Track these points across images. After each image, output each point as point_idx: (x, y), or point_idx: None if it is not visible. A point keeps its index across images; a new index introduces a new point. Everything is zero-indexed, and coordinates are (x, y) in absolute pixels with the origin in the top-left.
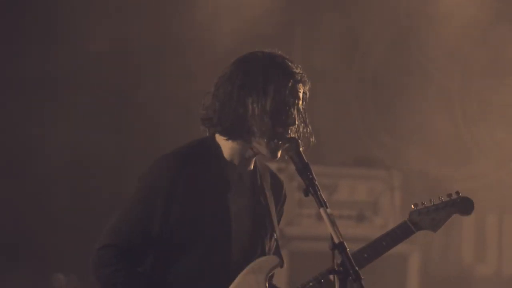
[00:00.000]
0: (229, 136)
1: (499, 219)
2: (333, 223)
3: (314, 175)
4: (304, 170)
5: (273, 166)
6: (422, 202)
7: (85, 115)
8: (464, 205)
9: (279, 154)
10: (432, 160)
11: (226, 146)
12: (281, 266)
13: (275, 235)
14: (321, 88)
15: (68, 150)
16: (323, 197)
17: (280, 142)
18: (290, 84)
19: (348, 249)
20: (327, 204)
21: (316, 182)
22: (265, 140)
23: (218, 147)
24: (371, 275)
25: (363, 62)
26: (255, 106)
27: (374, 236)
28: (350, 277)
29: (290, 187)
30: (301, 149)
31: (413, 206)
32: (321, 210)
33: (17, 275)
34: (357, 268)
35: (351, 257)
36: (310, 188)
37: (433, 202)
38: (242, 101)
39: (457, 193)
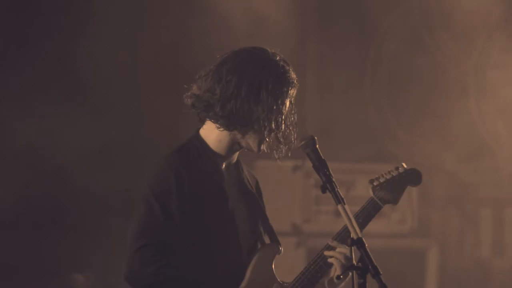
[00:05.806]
0: (228, 127)
1: None
2: (351, 219)
3: (331, 171)
4: (321, 167)
5: (289, 164)
6: (382, 174)
7: (104, 107)
8: (412, 177)
9: (264, 147)
10: (448, 154)
11: (214, 139)
12: (279, 252)
13: (267, 222)
14: (336, 84)
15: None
16: (340, 193)
17: (282, 146)
18: (285, 89)
19: (366, 245)
20: (344, 200)
21: (333, 179)
22: (258, 136)
23: (205, 143)
24: (389, 270)
25: (378, 58)
26: (253, 106)
27: (391, 231)
28: (369, 273)
29: (306, 184)
30: (317, 146)
31: (375, 181)
32: (339, 207)
33: (35, 276)
34: (376, 264)
35: (369, 253)
36: (327, 184)
37: (392, 174)
38: (243, 96)
39: (403, 165)
